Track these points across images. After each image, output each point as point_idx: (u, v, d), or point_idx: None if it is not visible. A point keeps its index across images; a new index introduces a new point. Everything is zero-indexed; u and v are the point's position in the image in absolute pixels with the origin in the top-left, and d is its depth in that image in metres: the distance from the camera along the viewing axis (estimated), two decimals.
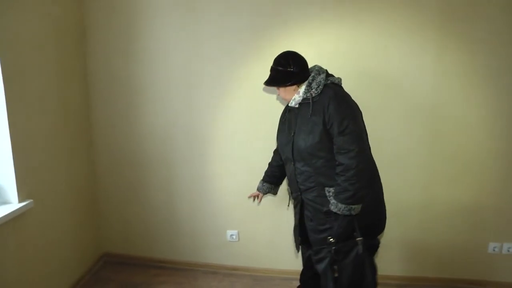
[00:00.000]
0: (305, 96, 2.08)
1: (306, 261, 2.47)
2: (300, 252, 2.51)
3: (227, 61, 2.80)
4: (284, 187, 2.63)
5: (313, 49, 2.62)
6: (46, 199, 2.47)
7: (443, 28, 2.52)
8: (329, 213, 2.05)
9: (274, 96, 2.73)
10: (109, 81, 2.98)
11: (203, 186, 3.03)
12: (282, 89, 2.15)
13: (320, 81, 2.05)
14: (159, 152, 3.03)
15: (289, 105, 2.18)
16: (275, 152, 2.52)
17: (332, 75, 2.16)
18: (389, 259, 2.86)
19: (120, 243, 3.26)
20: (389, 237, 2.82)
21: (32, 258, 2.34)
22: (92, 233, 3.14)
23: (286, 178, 2.46)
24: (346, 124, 1.94)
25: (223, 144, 2.93)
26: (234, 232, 3.06)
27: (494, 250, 2.75)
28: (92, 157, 3.11)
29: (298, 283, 2.61)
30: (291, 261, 2.97)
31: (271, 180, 2.52)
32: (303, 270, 2.55)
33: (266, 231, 3.01)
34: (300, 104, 2.13)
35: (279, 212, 2.88)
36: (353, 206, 1.96)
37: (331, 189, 2.04)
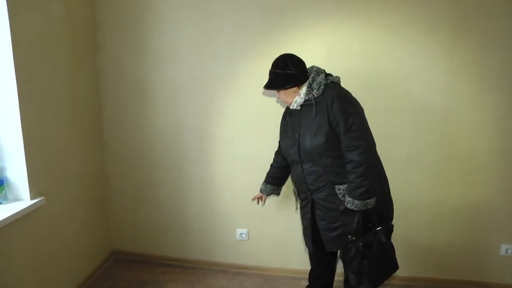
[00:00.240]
0: (307, 97, 2.08)
1: (315, 261, 2.47)
2: (308, 251, 2.50)
3: (237, 59, 2.79)
4: (287, 187, 2.63)
5: (323, 49, 2.62)
6: (57, 196, 2.48)
7: (454, 28, 2.49)
8: (347, 211, 2.05)
9: None
10: (120, 79, 2.99)
11: (213, 185, 3.03)
12: (282, 92, 2.13)
13: (321, 81, 2.05)
14: (169, 151, 3.04)
15: (291, 107, 2.18)
16: (277, 153, 2.53)
17: (330, 75, 2.15)
18: (398, 259, 2.83)
19: (130, 241, 3.28)
20: (399, 238, 2.78)
21: (43, 255, 2.36)
22: (102, 231, 3.16)
23: (291, 179, 2.46)
24: (351, 122, 1.97)
25: (233, 143, 2.93)
26: (244, 231, 3.05)
27: (506, 252, 2.72)
28: (102, 156, 3.13)
29: (307, 283, 2.60)
30: (300, 260, 2.96)
31: (273, 182, 2.52)
32: (311, 269, 2.55)
33: (276, 230, 3.00)
34: (301, 106, 2.12)
35: (289, 211, 2.87)
36: (369, 201, 1.99)
37: (341, 187, 2.06)
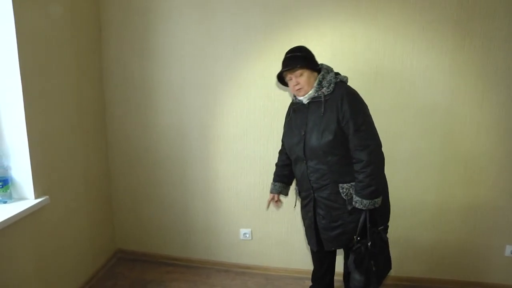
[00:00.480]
0: (316, 94, 2.07)
1: (318, 260, 2.48)
2: (311, 251, 2.51)
3: (240, 59, 2.80)
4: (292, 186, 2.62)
5: (327, 49, 2.63)
6: (61, 195, 2.49)
7: (457, 28, 2.48)
8: (354, 210, 2.06)
9: (288, 95, 2.72)
10: (124, 79, 3.00)
11: (217, 184, 3.04)
12: (306, 76, 2.07)
13: (331, 80, 2.06)
14: (173, 151, 3.04)
15: (301, 99, 2.15)
16: (280, 152, 2.51)
17: (338, 73, 2.15)
18: (402, 260, 2.83)
19: (134, 240, 3.29)
20: (401, 238, 2.79)
21: (47, 254, 2.37)
22: (106, 230, 3.17)
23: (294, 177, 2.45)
24: (361, 121, 1.98)
25: (237, 143, 2.93)
26: (247, 230, 3.05)
27: (511, 253, 2.70)
28: (106, 155, 3.14)
29: (310, 283, 2.60)
30: (304, 260, 2.95)
31: (282, 179, 2.49)
32: (314, 269, 2.55)
33: (279, 230, 3.00)
34: (308, 102, 2.12)
35: (293, 211, 2.87)
36: (377, 200, 2.02)
37: (345, 185, 2.07)
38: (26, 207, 2.11)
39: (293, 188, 2.49)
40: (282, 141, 2.43)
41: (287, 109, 2.39)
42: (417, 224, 2.77)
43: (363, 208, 2.01)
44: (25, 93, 2.12)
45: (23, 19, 2.09)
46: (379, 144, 2.05)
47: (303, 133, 2.13)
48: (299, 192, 2.34)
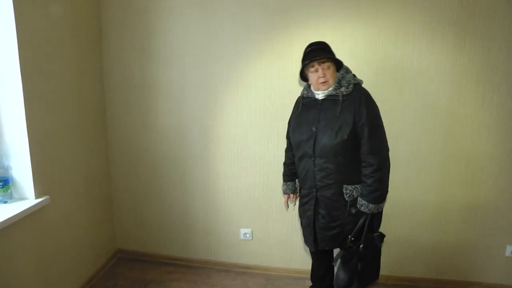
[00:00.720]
0: (334, 92, 2.06)
1: (317, 260, 2.47)
2: (310, 252, 2.51)
3: (241, 59, 2.79)
4: None
5: None
6: (62, 195, 2.49)
7: (458, 28, 2.48)
8: (358, 213, 2.07)
9: (288, 95, 2.69)
10: (124, 79, 3.00)
11: (217, 184, 3.04)
12: (332, 70, 2.06)
13: (350, 80, 2.07)
14: (173, 151, 3.04)
15: (317, 97, 2.12)
16: (287, 150, 2.46)
17: (355, 75, 2.15)
18: (402, 260, 2.83)
19: (134, 240, 3.29)
20: (401, 238, 2.78)
21: (47, 254, 2.37)
22: (106, 230, 3.17)
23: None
24: (376, 126, 2.01)
25: (237, 143, 2.93)
26: (248, 230, 3.05)
27: None
28: (107, 155, 3.14)
29: (310, 283, 2.60)
30: (304, 260, 2.95)
31: (293, 178, 2.43)
32: (313, 270, 2.55)
33: (280, 230, 3.00)
34: (323, 100, 2.10)
35: (293, 211, 2.87)
36: (381, 204, 2.04)
37: (349, 187, 2.07)
38: (26, 207, 2.11)
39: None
40: (288, 137, 2.39)
41: (288, 109, 2.39)
42: (417, 224, 2.77)
43: (368, 212, 2.02)
44: (26, 93, 2.12)
45: (24, 19, 2.09)
46: (388, 150, 2.08)
47: (314, 130, 2.09)
48: (300, 189, 2.33)
